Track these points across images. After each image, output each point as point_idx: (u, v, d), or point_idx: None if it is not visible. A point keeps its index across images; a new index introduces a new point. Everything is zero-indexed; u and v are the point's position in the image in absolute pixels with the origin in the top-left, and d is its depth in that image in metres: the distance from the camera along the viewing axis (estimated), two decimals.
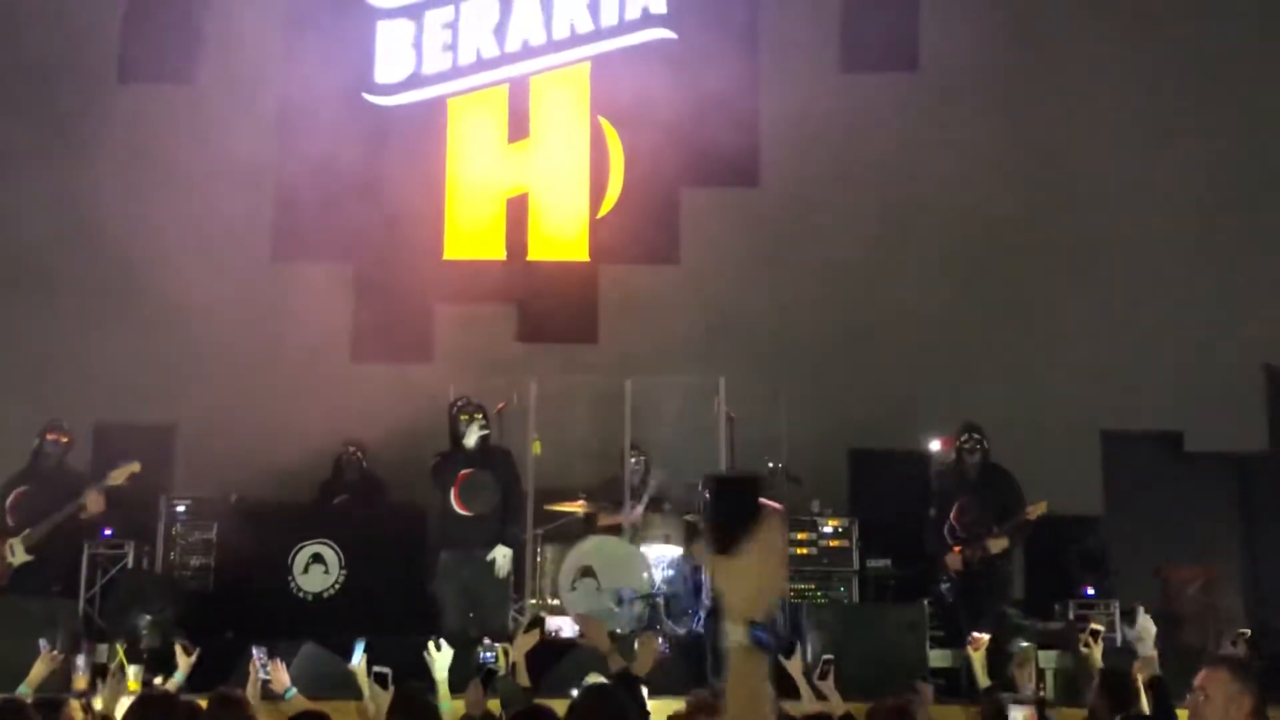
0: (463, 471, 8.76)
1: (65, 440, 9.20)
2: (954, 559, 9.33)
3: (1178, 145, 12.12)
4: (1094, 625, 7.80)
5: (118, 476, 8.96)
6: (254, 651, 6.61)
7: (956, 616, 9.03)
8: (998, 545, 9.17)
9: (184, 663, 7.18)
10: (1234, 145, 12.26)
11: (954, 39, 12.37)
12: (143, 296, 11.75)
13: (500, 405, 10.59)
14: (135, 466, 9.06)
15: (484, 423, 9.04)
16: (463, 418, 9.00)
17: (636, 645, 5.93)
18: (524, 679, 6.07)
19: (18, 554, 8.75)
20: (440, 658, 6.21)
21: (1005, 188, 12.28)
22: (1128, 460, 11.93)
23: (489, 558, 8.54)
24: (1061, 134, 12.40)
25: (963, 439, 9.54)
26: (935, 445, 11.03)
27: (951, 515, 9.44)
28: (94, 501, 8.88)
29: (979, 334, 12.01)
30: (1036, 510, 9.20)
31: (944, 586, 9.37)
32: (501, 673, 6.11)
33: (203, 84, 12.51)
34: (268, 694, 6.76)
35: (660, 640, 6.21)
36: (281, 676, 6.68)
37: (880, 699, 5.99)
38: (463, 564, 8.71)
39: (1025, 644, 7.68)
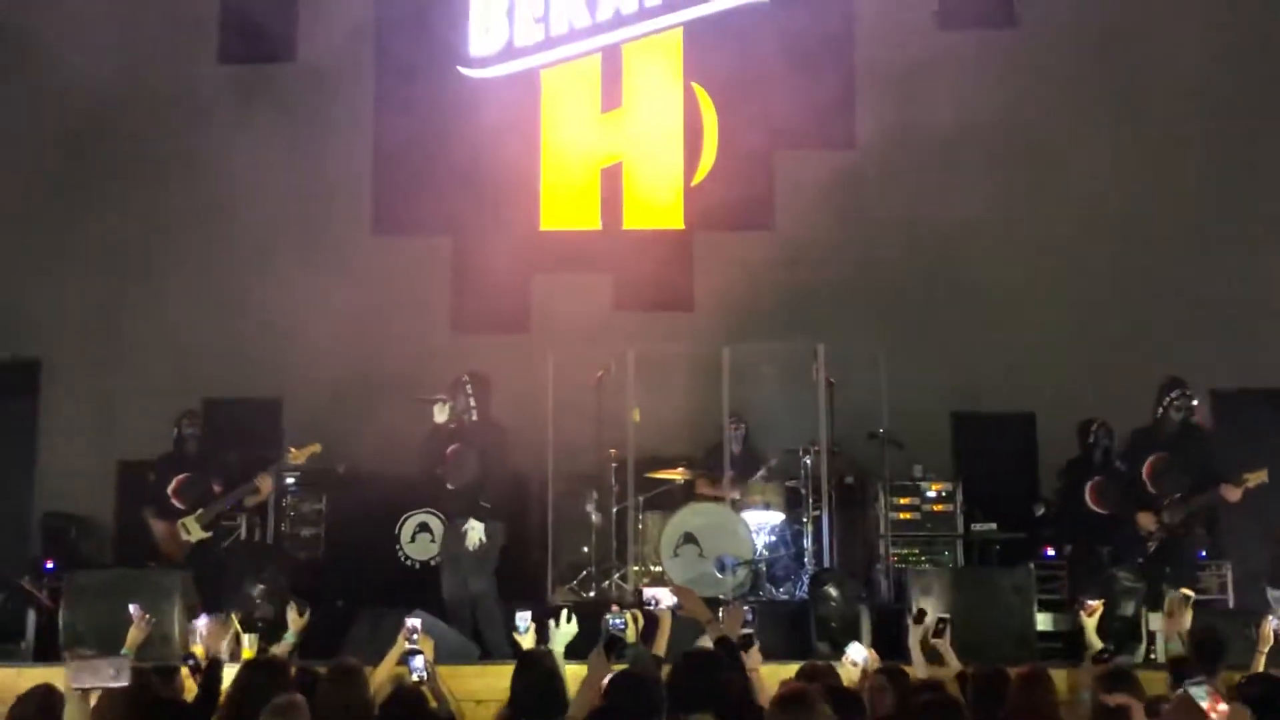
0: (450, 448, 8.83)
1: (200, 425, 9.51)
2: (1147, 519, 8.98)
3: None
4: (1184, 591, 7.63)
5: (298, 456, 9.21)
6: (407, 622, 6.58)
7: (1150, 579, 8.65)
8: (1234, 494, 8.80)
9: (295, 623, 7.22)
10: None
11: None
12: (246, 273, 11.97)
13: (599, 374, 10.65)
14: (316, 447, 9.26)
15: (457, 403, 8.86)
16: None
17: (721, 614, 5.88)
18: (660, 647, 6.03)
19: (194, 531, 9.11)
20: (564, 630, 6.16)
21: (1105, 146, 12.03)
22: (1238, 419, 11.66)
23: (463, 529, 8.66)
24: (1160, 89, 12.10)
25: (1172, 395, 9.16)
26: None
27: (1143, 472, 9.13)
28: (265, 485, 9.25)
29: (1083, 294, 11.81)
30: (1256, 478, 8.73)
31: (1150, 547, 9.01)
32: (631, 640, 6.03)
33: (300, 62, 12.67)
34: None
35: (746, 609, 6.11)
36: (427, 655, 6.52)
37: (987, 663, 5.93)
38: (450, 534, 8.87)
39: (1177, 592, 7.56)
